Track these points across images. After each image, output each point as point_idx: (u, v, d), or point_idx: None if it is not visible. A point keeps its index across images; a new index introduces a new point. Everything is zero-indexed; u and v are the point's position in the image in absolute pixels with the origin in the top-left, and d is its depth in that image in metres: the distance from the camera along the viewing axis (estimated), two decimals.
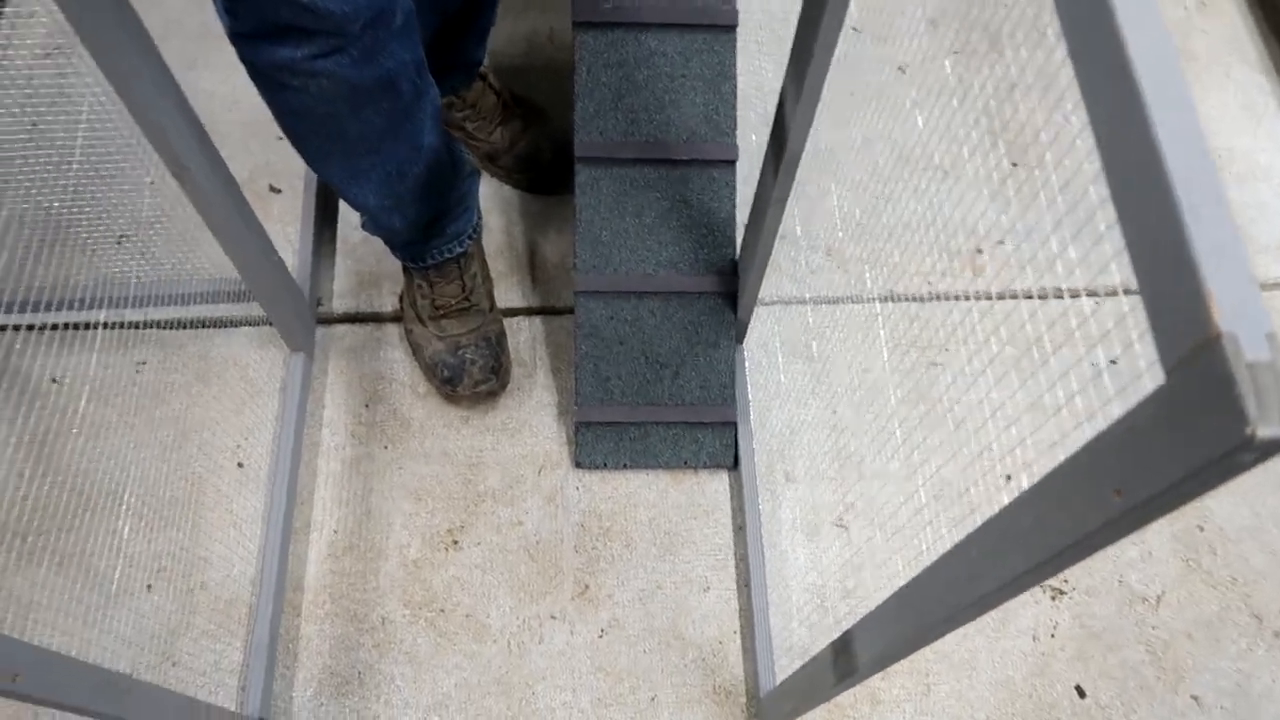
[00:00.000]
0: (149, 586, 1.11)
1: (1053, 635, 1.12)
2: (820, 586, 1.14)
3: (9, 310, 1.23)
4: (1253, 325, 0.29)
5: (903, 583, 0.58)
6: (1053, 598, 1.14)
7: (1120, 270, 1.24)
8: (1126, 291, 1.30)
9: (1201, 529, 1.18)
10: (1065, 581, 1.15)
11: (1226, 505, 1.19)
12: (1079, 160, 1.36)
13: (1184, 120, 0.33)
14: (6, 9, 1.46)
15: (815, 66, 0.77)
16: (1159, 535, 1.18)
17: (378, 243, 1.31)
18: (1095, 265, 1.27)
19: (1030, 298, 1.31)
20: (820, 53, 0.76)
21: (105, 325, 1.25)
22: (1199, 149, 0.32)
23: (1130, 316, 1.32)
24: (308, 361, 1.21)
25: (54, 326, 1.24)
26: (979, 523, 0.48)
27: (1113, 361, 1.28)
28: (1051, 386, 1.24)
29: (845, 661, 0.69)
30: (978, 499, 1.19)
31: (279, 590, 1.09)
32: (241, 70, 0.79)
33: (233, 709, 1.01)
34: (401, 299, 1.25)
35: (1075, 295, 1.31)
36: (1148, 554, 1.17)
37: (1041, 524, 0.42)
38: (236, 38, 0.80)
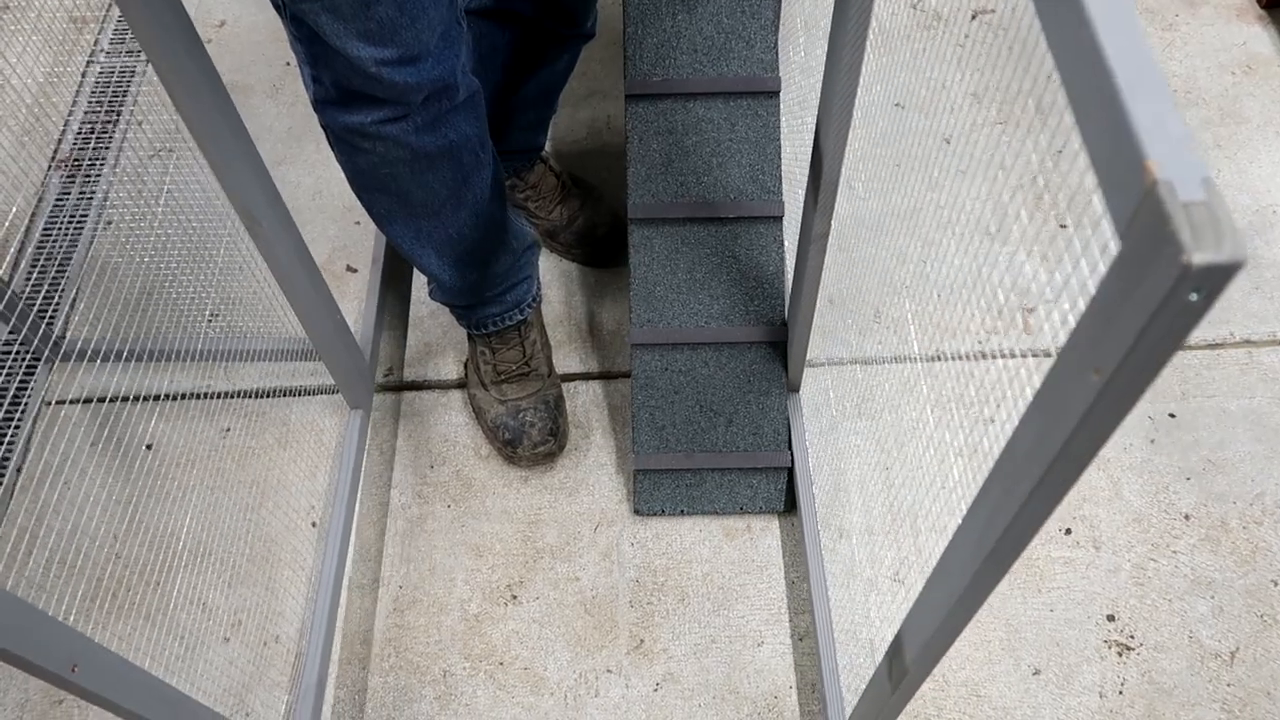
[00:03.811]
0: (226, 639, 1.17)
1: (1120, 692, 1.08)
2: (874, 641, 1.13)
3: (110, 380, 1.34)
4: (1188, 172, 0.31)
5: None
6: (1119, 653, 1.11)
7: None
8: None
9: (1276, 583, 1.14)
10: (1132, 637, 1.12)
11: None
12: None
13: (1123, 15, 0.35)
14: (121, 116, 1.62)
15: (843, 86, 0.82)
16: (1230, 590, 1.14)
17: (443, 316, 1.39)
18: None
19: None
20: (847, 74, 0.81)
21: (195, 395, 1.34)
22: (1137, 40, 0.34)
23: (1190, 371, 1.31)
24: (364, 417, 1.28)
25: (150, 397, 1.34)
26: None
27: (1171, 415, 1.27)
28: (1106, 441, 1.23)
29: (898, 666, 0.70)
30: (1035, 552, 1.17)
31: (328, 636, 1.12)
32: (322, 165, 0.89)
33: None
34: (466, 365, 1.32)
35: None
36: (1219, 609, 1.13)
37: (1042, 432, 0.42)
38: (317, 104, 0.90)
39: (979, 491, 0.51)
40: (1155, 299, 0.32)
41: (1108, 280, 0.35)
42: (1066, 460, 0.41)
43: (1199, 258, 0.30)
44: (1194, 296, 0.31)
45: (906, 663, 0.67)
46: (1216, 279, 0.30)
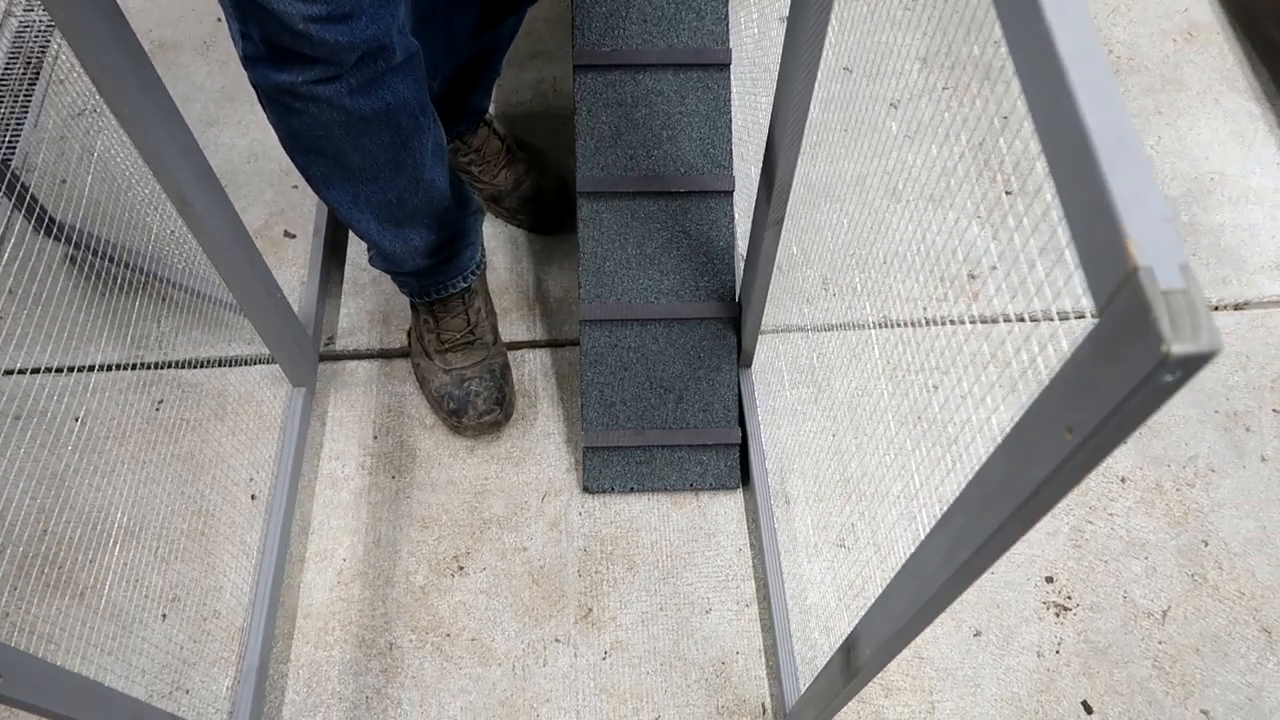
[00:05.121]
0: (164, 616, 1.14)
1: (1057, 651, 1.11)
2: (821, 607, 1.14)
3: (35, 352, 1.28)
4: (1167, 259, 0.32)
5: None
6: (1056, 614, 1.13)
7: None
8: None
9: (1206, 544, 1.18)
10: (1069, 598, 1.14)
11: (1231, 519, 1.19)
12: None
13: (1104, 87, 0.35)
14: (41, 75, 1.55)
15: (797, 100, 0.81)
16: (1163, 550, 1.17)
17: (385, 283, 1.36)
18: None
19: (1023, 320, 1.33)
20: (802, 84, 0.80)
21: (125, 366, 1.30)
22: (1119, 115, 0.35)
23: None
24: (309, 396, 1.25)
25: (76, 369, 1.29)
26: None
27: None
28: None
29: (853, 661, 0.71)
30: None
31: (270, 615, 1.10)
32: (257, 126, 0.85)
33: None
34: (409, 334, 1.29)
35: (1065, 318, 1.33)
36: (1152, 569, 1.16)
37: (1011, 475, 0.43)
38: (246, 60, 0.86)
39: (937, 523, 0.52)
40: (1132, 380, 0.33)
41: (1084, 349, 0.36)
42: (1032, 507, 0.43)
43: (1178, 348, 0.31)
44: (1169, 378, 0.32)
45: (860, 662, 0.68)
46: (1193, 365, 0.31)
